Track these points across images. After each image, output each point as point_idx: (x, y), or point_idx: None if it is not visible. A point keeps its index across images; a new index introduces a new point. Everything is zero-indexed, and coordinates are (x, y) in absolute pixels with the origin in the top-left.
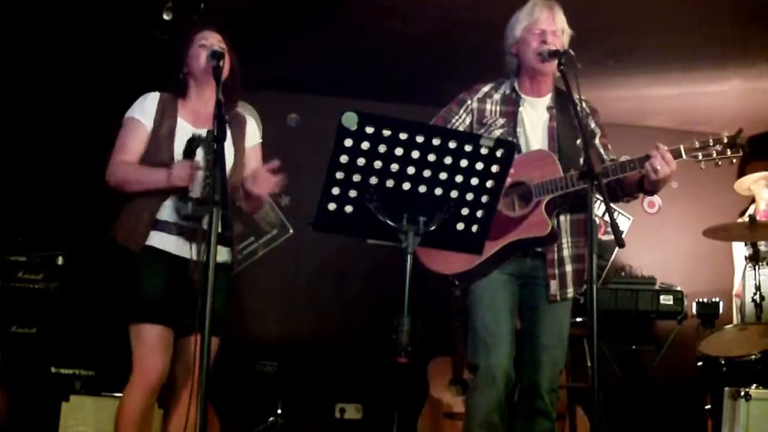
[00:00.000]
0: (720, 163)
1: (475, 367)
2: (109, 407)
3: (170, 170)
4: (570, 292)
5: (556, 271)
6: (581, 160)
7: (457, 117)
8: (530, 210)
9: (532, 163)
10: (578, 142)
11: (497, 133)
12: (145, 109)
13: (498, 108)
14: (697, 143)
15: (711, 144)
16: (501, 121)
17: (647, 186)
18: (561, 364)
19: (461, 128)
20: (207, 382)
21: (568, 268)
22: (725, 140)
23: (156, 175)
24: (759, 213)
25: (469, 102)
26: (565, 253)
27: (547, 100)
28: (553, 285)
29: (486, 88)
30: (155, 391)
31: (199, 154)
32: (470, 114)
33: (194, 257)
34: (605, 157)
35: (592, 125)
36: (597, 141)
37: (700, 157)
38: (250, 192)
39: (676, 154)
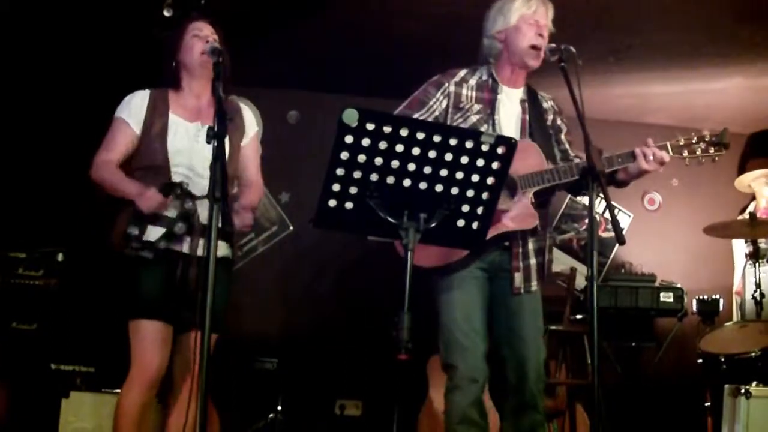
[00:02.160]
0: (703, 160)
1: (452, 367)
2: (110, 404)
3: (143, 192)
4: (534, 285)
5: (521, 264)
6: (555, 155)
7: (434, 100)
8: (516, 202)
9: (516, 153)
10: (551, 135)
11: (474, 119)
12: (131, 109)
13: (474, 94)
14: (682, 140)
15: (694, 141)
16: (477, 107)
17: (621, 176)
18: (543, 353)
19: (438, 111)
20: (207, 379)
21: (532, 261)
22: (707, 138)
23: (129, 188)
24: (759, 210)
25: (446, 85)
26: (530, 246)
27: (520, 92)
28: (518, 278)
29: (462, 73)
30: (154, 387)
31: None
32: (447, 97)
33: (192, 252)
34: (571, 154)
35: (559, 122)
36: (563, 137)
37: (685, 154)
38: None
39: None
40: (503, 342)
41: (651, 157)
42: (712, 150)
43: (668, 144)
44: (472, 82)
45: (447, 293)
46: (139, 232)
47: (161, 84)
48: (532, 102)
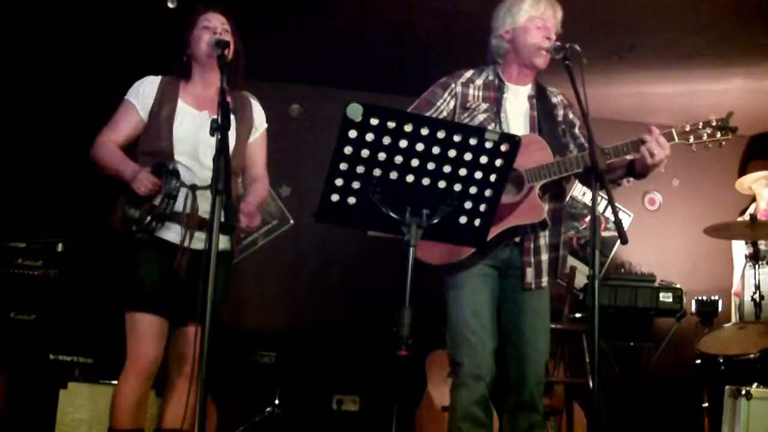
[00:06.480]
0: (710, 145)
1: (458, 364)
2: (107, 395)
3: (137, 172)
4: (545, 281)
5: (532, 260)
6: (570, 149)
7: (441, 100)
8: (523, 196)
9: (521, 148)
10: (560, 129)
11: (480, 117)
12: (140, 93)
13: (481, 93)
14: (687, 126)
15: (701, 127)
16: (484, 106)
17: (639, 169)
18: (546, 355)
19: (445, 111)
20: (206, 372)
21: (544, 257)
22: (713, 123)
23: (125, 169)
24: (759, 212)
25: (453, 85)
26: (542, 241)
27: (528, 89)
28: (529, 273)
29: (468, 74)
30: (149, 379)
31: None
32: (454, 98)
33: (185, 243)
34: (586, 146)
35: (571, 116)
36: (577, 131)
37: (691, 140)
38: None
39: (669, 138)
40: (507, 340)
41: (656, 151)
42: (718, 134)
43: (673, 130)
44: (479, 82)
45: (456, 290)
46: (137, 214)
47: (173, 73)
48: (540, 98)
